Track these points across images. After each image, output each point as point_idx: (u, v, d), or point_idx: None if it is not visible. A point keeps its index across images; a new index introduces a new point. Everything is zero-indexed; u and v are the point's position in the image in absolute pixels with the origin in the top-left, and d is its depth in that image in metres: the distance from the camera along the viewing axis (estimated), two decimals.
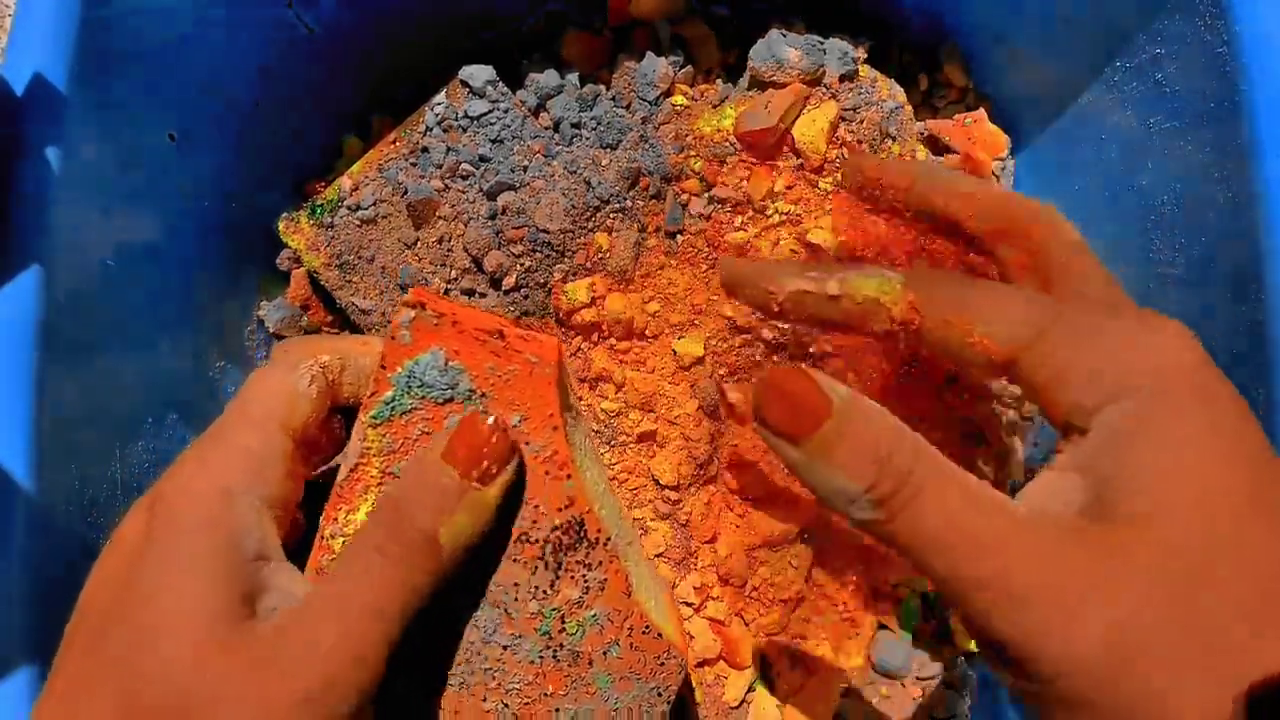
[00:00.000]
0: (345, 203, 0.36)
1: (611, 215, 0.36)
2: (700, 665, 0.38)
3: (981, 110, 0.39)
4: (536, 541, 0.24)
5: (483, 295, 0.36)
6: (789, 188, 0.37)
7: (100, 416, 0.32)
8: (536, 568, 0.24)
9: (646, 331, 0.37)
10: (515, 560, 0.24)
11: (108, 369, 0.32)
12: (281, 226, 0.38)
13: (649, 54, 0.39)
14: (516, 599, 0.24)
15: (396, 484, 0.22)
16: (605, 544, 0.25)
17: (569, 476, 0.24)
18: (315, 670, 0.20)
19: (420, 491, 0.22)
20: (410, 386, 0.24)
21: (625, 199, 0.36)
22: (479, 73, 0.35)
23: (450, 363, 0.25)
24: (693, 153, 0.37)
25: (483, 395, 0.25)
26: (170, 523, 0.21)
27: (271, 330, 0.41)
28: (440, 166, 0.35)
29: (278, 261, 0.40)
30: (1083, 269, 0.22)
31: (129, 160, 0.33)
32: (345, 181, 0.36)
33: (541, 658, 0.24)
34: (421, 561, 0.21)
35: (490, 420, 0.23)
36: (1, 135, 0.28)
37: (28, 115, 0.29)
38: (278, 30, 0.36)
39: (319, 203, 0.37)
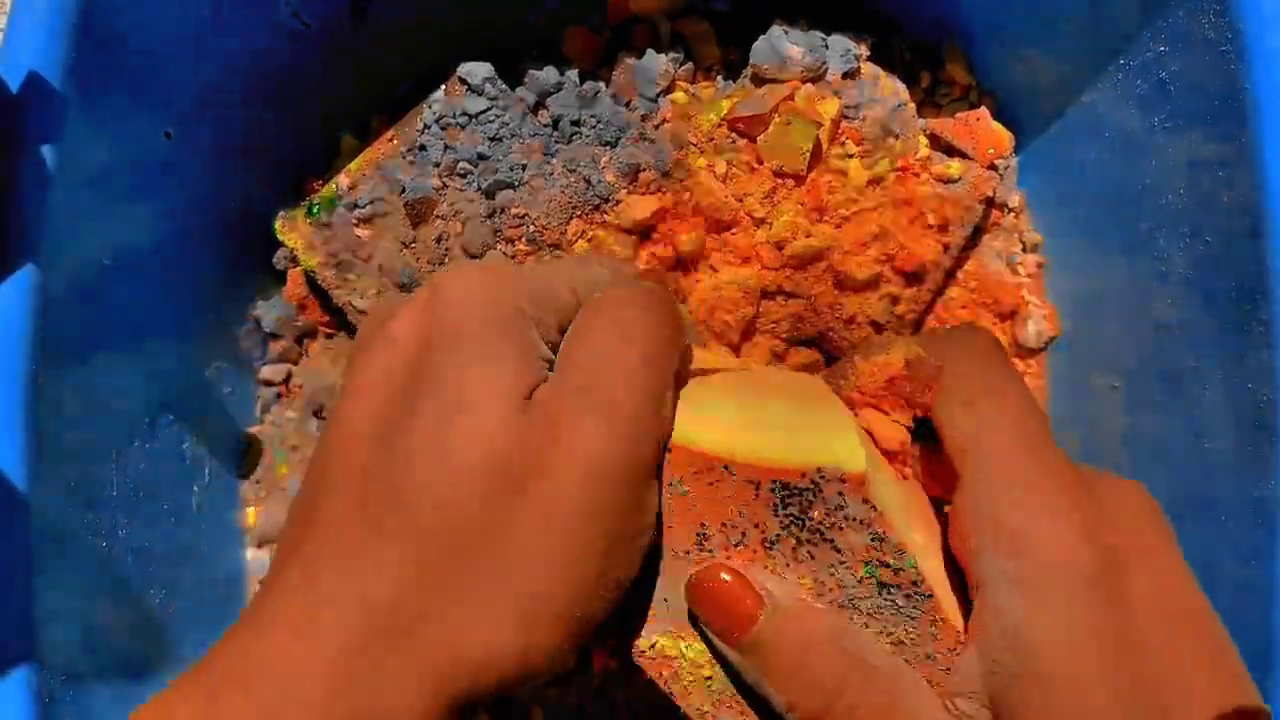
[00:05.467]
0: (342, 201, 0.36)
1: (611, 213, 0.36)
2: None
3: (984, 108, 0.39)
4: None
5: None
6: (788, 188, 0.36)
7: (97, 416, 0.31)
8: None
9: None
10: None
11: (104, 369, 0.32)
12: (278, 225, 0.37)
13: (649, 51, 0.38)
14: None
15: None
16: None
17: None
18: (617, 427, 0.20)
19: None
20: None
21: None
22: (477, 69, 0.35)
23: None
24: (694, 150, 0.37)
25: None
26: (469, 319, 0.21)
27: (268, 330, 0.40)
28: (438, 165, 0.35)
29: (274, 260, 0.40)
30: None
31: (125, 159, 0.32)
32: (342, 180, 0.36)
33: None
34: (670, 312, 0.22)
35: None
36: None
37: (23, 113, 0.29)
38: (274, 25, 0.36)
39: (315, 201, 0.37)
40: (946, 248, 0.37)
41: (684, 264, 0.37)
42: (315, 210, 0.36)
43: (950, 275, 0.40)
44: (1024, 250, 0.41)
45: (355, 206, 0.36)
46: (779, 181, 0.36)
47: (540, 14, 0.40)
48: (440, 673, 0.18)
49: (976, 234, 0.40)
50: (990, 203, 0.39)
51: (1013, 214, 0.41)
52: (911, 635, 0.21)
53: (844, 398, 0.24)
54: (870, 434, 0.23)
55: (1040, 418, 0.22)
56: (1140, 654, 0.18)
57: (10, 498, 0.28)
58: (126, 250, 0.33)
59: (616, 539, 0.20)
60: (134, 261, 0.33)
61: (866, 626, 0.21)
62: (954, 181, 0.37)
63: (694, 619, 0.22)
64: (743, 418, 0.22)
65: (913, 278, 0.37)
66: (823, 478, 0.20)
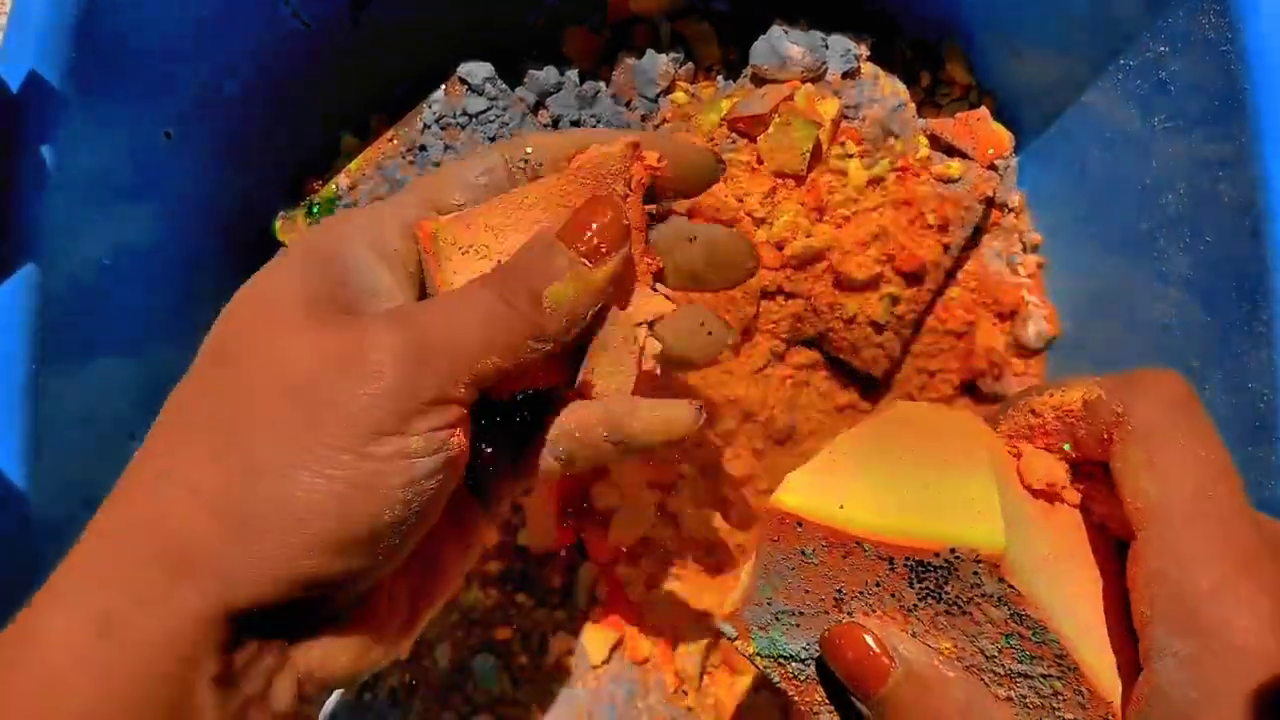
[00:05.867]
0: (342, 201, 0.36)
1: None
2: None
3: (984, 108, 0.39)
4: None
5: None
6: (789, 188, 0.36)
7: (96, 416, 0.31)
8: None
9: None
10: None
11: (104, 368, 0.32)
12: (278, 225, 0.37)
13: (649, 51, 0.38)
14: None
15: (513, 256, 0.23)
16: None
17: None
18: (419, 374, 0.20)
19: (530, 261, 0.23)
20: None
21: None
22: (477, 69, 0.35)
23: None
24: None
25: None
26: (284, 254, 0.24)
27: None
28: (438, 165, 0.35)
29: None
30: None
31: (125, 158, 0.32)
32: (342, 180, 0.36)
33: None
34: (527, 312, 0.22)
35: (610, 203, 0.23)
36: None
37: (23, 113, 0.29)
38: (274, 26, 0.36)
39: (316, 201, 0.37)
40: (946, 248, 0.37)
41: None
42: (315, 210, 0.36)
43: (950, 275, 0.40)
44: (1024, 250, 0.41)
45: (355, 206, 0.36)
46: (779, 181, 0.36)
47: (540, 14, 0.40)
48: (167, 546, 0.20)
49: (976, 234, 0.40)
50: (990, 203, 0.39)
51: (1013, 214, 0.41)
52: (1057, 700, 0.21)
53: (1003, 432, 0.23)
54: (1019, 471, 0.23)
55: (1233, 481, 0.20)
56: None
57: (10, 498, 0.28)
58: (126, 250, 0.33)
59: (314, 401, 0.20)
60: (134, 261, 0.33)
61: (1011, 690, 0.21)
62: (954, 181, 0.37)
63: (822, 667, 0.23)
64: (874, 493, 0.22)
65: (913, 278, 0.37)
66: (957, 558, 0.20)
